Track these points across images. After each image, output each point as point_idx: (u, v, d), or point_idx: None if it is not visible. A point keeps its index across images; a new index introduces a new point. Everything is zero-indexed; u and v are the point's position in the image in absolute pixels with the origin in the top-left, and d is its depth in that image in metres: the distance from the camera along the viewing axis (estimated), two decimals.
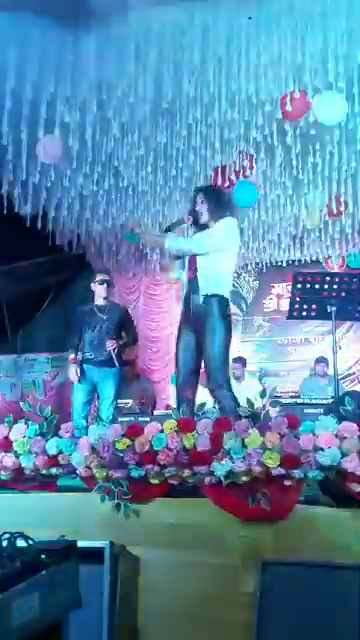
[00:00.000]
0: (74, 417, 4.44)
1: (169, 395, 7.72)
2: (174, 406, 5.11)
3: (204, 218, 3.51)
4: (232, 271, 3.56)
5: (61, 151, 4.86)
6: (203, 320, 3.34)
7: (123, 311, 5.01)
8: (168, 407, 5.06)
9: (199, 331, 3.37)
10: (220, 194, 3.72)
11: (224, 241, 3.42)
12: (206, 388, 3.46)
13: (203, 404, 2.89)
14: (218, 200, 3.57)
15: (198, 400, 3.25)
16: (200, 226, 3.55)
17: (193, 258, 3.45)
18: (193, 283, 3.42)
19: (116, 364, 4.64)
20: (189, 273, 3.48)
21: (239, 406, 3.00)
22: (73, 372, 4.69)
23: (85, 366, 4.71)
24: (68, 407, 5.09)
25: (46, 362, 7.85)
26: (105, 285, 4.82)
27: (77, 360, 4.71)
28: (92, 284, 4.86)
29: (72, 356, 4.73)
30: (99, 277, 4.86)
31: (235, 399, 3.23)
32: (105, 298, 4.84)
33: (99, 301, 4.83)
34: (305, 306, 3.83)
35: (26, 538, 1.62)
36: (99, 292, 4.81)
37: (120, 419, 3.89)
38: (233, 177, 5.27)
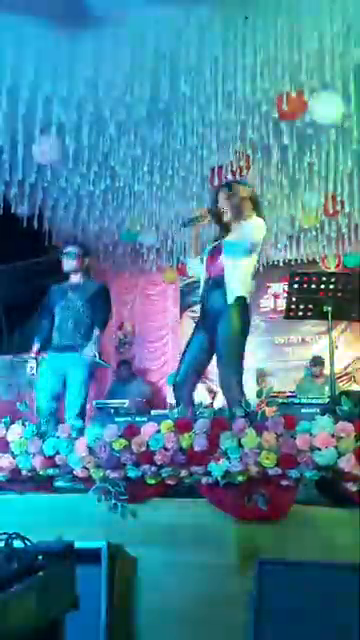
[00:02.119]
0: (40, 415, 3.80)
1: (167, 395, 7.73)
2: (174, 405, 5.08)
3: (227, 216, 3.40)
4: (252, 273, 3.42)
5: (57, 151, 4.85)
6: (219, 320, 3.24)
7: (98, 288, 4.32)
8: (171, 407, 4.99)
9: (212, 331, 3.29)
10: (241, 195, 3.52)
11: (258, 245, 3.35)
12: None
13: (200, 404, 2.89)
14: (240, 202, 3.42)
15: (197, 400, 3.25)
16: (222, 224, 3.44)
17: (215, 256, 3.37)
18: (215, 282, 3.32)
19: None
20: (209, 271, 3.37)
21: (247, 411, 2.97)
22: (30, 367, 4.08)
23: (52, 354, 4.12)
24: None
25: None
26: (73, 258, 4.20)
27: (38, 352, 4.12)
28: (60, 257, 4.27)
29: (35, 347, 4.15)
30: (66, 249, 4.27)
31: (244, 404, 3.17)
32: (78, 274, 4.23)
33: (72, 278, 4.25)
34: (301, 306, 3.83)
35: (23, 539, 1.62)
36: (67, 267, 4.21)
37: (117, 419, 3.87)
38: (230, 177, 5.28)
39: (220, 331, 3.23)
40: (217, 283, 3.31)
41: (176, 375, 3.43)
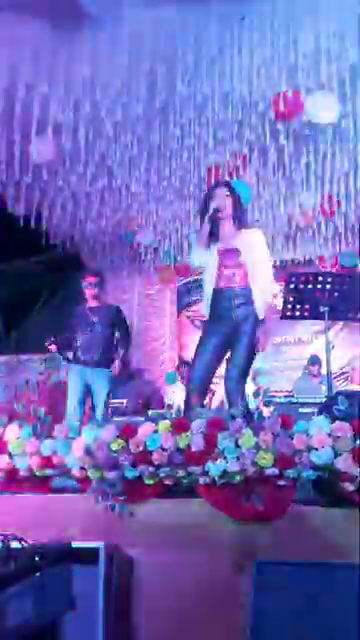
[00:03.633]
0: (67, 417, 4.43)
1: (165, 395, 7.72)
2: (172, 405, 5.10)
3: (226, 213, 3.40)
4: None
5: (54, 151, 4.84)
6: (244, 330, 3.30)
7: (114, 311, 5.02)
8: (170, 407, 5.01)
9: (229, 337, 3.32)
10: (240, 197, 3.59)
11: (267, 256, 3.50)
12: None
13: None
14: (240, 202, 3.51)
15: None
16: (216, 224, 3.41)
17: (230, 261, 3.37)
18: (241, 292, 3.34)
19: (106, 365, 4.74)
20: (227, 277, 3.37)
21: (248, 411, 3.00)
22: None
23: (77, 366, 4.79)
24: (62, 408, 5.07)
25: (40, 362, 7.83)
26: (93, 287, 4.86)
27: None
28: (82, 286, 4.92)
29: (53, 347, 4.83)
30: (87, 279, 4.91)
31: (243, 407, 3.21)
32: (96, 299, 4.89)
33: (90, 302, 4.89)
34: (298, 306, 3.84)
35: (20, 540, 1.62)
36: (88, 294, 4.87)
37: (114, 419, 3.90)
38: (227, 177, 5.28)
39: (247, 342, 3.28)
40: (243, 293, 3.33)
41: (193, 380, 3.38)
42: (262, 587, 2.22)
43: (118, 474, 2.66)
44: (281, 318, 3.98)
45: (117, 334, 4.92)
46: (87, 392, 4.78)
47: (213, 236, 3.42)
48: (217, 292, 3.38)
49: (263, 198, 6.00)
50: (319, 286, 3.70)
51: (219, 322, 3.38)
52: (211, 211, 3.35)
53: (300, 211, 6.32)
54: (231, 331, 3.34)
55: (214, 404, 5.48)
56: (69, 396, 4.78)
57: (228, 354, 3.37)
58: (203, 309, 3.52)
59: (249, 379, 6.79)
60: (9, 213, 5.83)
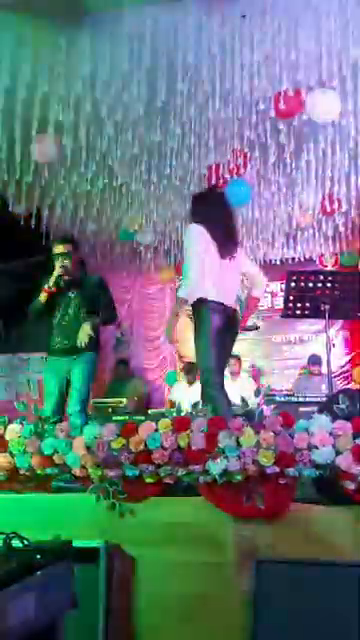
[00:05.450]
0: (45, 411, 3.70)
1: (165, 393, 7.73)
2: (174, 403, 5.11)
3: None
4: (212, 273, 3.38)
5: (55, 150, 4.84)
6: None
7: (96, 281, 4.12)
8: (171, 405, 4.97)
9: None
10: (193, 199, 3.76)
11: (190, 250, 3.36)
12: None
13: (197, 403, 2.90)
14: (191, 206, 3.68)
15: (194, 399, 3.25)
16: None
17: None
18: None
19: (88, 348, 3.88)
20: None
21: (230, 405, 3.02)
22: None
23: (53, 358, 4.02)
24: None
25: (40, 361, 7.83)
26: (66, 258, 3.97)
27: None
28: (53, 258, 4.03)
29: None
30: (56, 249, 4.01)
31: (222, 400, 3.15)
32: (70, 271, 4.00)
33: (64, 277, 4.01)
34: (299, 304, 3.84)
35: (21, 538, 1.62)
36: (60, 267, 3.97)
37: (114, 418, 3.87)
38: (227, 175, 5.28)
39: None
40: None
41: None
42: (262, 585, 2.22)
43: (118, 473, 2.66)
44: (282, 316, 3.98)
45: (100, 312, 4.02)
46: (67, 386, 3.96)
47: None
48: None
49: (263, 197, 6.00)
50: (319, 285, 3.70)
51: None
52: None
53: (300, 210, 6.33)
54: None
55: None
56: (45, 400, 4.00)
57: None
58: None
59: (249, 378, 6.84)
60: (9, 212, 5.83)
